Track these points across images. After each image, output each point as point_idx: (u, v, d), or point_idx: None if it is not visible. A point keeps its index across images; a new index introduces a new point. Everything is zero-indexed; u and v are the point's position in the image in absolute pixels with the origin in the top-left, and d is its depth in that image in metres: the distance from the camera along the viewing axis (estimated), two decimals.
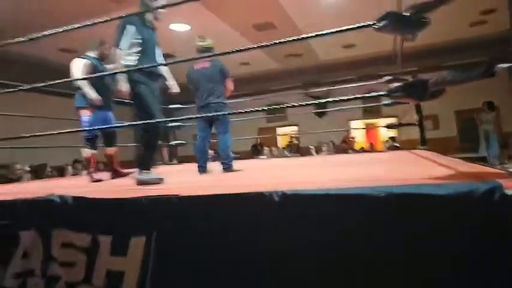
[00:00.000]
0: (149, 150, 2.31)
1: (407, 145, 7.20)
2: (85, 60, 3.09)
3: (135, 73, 2.24)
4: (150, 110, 2.26)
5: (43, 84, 2.19)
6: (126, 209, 1.31)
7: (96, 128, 2.95)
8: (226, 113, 3.02)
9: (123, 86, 2.24)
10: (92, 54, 3.18)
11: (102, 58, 3.24)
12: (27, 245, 1.48)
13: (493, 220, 0.95)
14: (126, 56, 2.24)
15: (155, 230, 1.24)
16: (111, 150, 3.29)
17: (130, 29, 2.25)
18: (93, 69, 3.05)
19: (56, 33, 2.03)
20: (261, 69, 9.63)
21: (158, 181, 2.14)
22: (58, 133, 2.02)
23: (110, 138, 3.26)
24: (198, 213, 1.23)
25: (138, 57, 2.27)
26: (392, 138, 7.87)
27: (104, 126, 2.93)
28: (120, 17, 1.86)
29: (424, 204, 1.01)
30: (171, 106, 4.94)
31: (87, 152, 3.13)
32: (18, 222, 1.51)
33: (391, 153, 4.90)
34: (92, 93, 2.96)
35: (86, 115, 3.12)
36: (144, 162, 2.24)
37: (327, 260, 1.07)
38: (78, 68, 3.06)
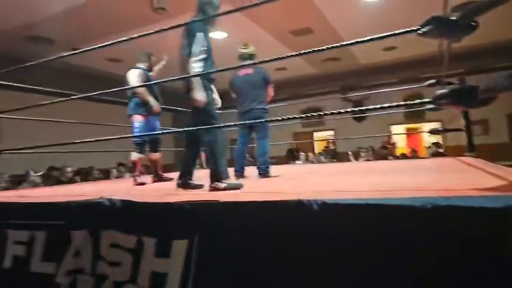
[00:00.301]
0: (221, 158, 2.23)
1: (453, 151, 6.81)
2: (139, 70, 3.34)
3: (205, 80, 2.24)
4: (217, 119, 2.26)
5: (100, 92, 2.33)
6: (170, 213, 1.36)
7: (153, 133, 3.20)
8: (264, 120, 3.05)
9: (200, 95, 2.21)
10: (142, 65, 3.42)
11: (150, 69, 3.49)
12: (79, 244, 1.58)
13: None
14: (196, 63, 2.18)
15: (197, 234, 1.28)
16: (155, 155, 3.45)
17: (200, 36, 2.21)
18: (146, 78, 3.29)
19: (105, 45, 2.16)
20: (297, 74, 9.59)
21: (239, 186, 2.11)
22: (110, 139, 2.15)
23: (155, 144, 3.44)
24: (237, 219, 1.25)
25: (203, 65, 2.21)
26: (436, 144, 7.47)
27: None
28: (166, 29, 1.94)
29: (473, 218, 0.96)
30: None
31: (135, 156, 3.27)
32: (71, 222, 1.62)
33: (435, 160, 4.67)
34: (152, 101, 3.23)
35: (138, 121, 3.27)
36: (219, 171, 2.16)
37: (366, 273, 1.05)
38: (134, 77, 3.28)
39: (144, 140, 3.29)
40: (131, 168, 3.41)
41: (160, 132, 3.17)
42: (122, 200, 1.50)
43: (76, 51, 2.35)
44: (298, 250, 1.15)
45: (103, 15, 5.34)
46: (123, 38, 1.98)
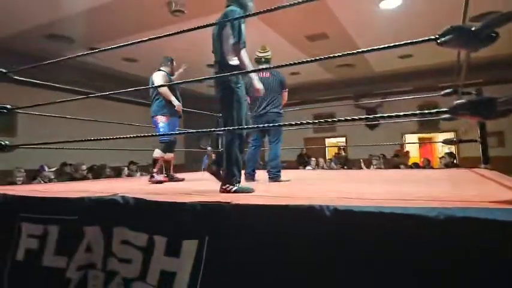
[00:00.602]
0: (237, 160, 2.14)
1: (467, 162, 6.68)
2: (163, 72, 3.53)
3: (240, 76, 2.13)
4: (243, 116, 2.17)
5: (122, 91, 2.38)
6: (182, 212, 1.37)
7: (172, 133, 3.37)
8: (277, 124, 3.07)
9: (259, 84, 2.21)
10: (165, 69, 3.61)
11: (172, 73, 3.68)
12: (91, 239, 1.61)
13: None
14: (245, 53, 2.06)
15: (208, 235, 1.29)
16: (170, 155, 3.54)
17: (243, 28, 2.08)
18: (169, 81, 3.46)
19: (123, 45, 2.20)
20: (311, 79, 9.57)
21: (250, 190, 2.07)
22: (128, 137, 2.19)
23: (173, 144, 3.56)
24: (248, 221, 1.26)
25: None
26: (450, 154, 7.34)
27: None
28: (180, 32, 1.96)
29: (489, 230, 0.94)
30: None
31: (159, 154, 3.38)
32: (84, 218, 1.65)
33: (448, 170, 4.59)
34: (175, 101, 3.39)
35: (162, 122, 3.40)
36: (232, 173, 2.09)
37: (375, 280, 1.04)
38: (160, 78, 3.45)
39: (170, 139, 3.44)
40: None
41: (182, 131, 3.29)
42: (135, 197, 1.53)
43: (94, 51, 2.40)
44: (307, 255, 1.15)
45: (121, 16, 5.44)
46: (144, 38, 2.01)
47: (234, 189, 2.06)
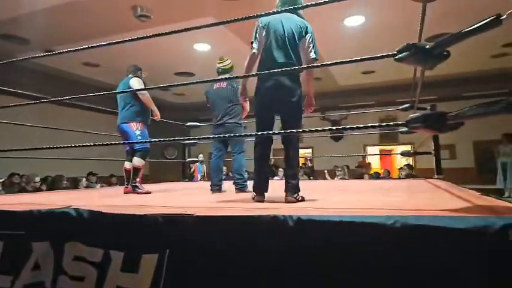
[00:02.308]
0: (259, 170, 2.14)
1: (423, 173, 7.06)
2: (140, 80, 3.42)
3: None
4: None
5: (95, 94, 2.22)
6: (141, 225, 1.31)
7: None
8: (238, 134, 3.04)
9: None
10: (137, 76, 3.49)
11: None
12: (39, 256, 1.49)
13: (506, 257, 0.92)
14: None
15: (168, 248, 1.23)
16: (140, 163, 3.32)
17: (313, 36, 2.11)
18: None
19: (84, 48, 2.11)
20: None
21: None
22: (103, 144, 2.07)
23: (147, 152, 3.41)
24: (211, 233, 1.22)
25: None
26: (409, 166, 7.74)
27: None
28: (146, 37, 1.92)
29: (439, 237, 0.99)
30: (188, 124, 5.02)
31: (140, 162, 3.23)
32: (33, 232, 1.53)
33: (406, 181, 4.81)
34: (157, 110, 3.40)
35: (139, 129, 3.26)
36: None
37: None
38: (140, 84, 3.35)
39: (148, 147, 3.33)
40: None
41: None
42: (90, 210, 1.44)
43: (51, 53, 2.28)
44: (272, 265, 1.13)
45: (83, 19, 5.23)
46: (108, 42, 1.94)
47: (300, 197, 1.97)
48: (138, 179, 3.18)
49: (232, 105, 3.15)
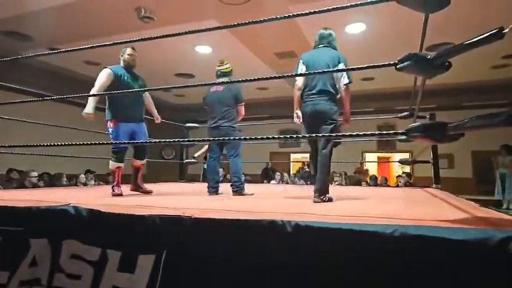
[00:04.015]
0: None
1: (421, 182, 7.07)
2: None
3: None
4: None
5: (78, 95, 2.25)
6: (139, 226, 1.32)
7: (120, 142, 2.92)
8: (236, 138, 3.06)
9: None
10: None
11: None
12: (37, 253, 1.49)
13: (506, 270, 0.93)
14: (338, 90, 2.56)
15: (165, 249, 1.24)
16: (138, 163, 3.25)
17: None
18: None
19: (87, 48, 2.12)
20: (278, 95, 9.74)
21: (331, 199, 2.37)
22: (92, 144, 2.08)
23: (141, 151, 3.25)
24: (209, 235, 1.23)
25: None
26: (408, 174, 7.76)
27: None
28: (147, 39, 1.93)
29: (439, 247, 1.00)
30: (187, 124, 5.02)
31: (113, 165, 3.02)
32: (31, 229, 1.53)
33: (404, 189, 4.82)
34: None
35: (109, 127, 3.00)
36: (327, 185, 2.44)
37: None
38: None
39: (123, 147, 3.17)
40: (113, 178, 3.10)
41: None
42: (88, 208, 1.44)
43: (55, 51, 2.29)
44: (269, 269, 1.14)
45: (87, 18, 5.25)
46: (104, 43, 1.95)
47: (327, 198, 2.35)
48: (115, 182, 2.98)
49: (228, 109, 3.16)
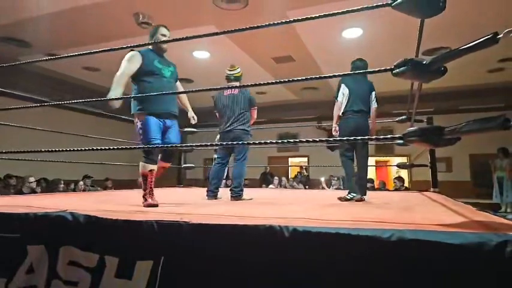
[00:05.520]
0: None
1: (418, 185, 7.07)
2: None
3: None
4: None
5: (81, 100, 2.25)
6: (137, 231, 1.31)
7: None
8: (241, 142, 3.07)
9: None
10: None
11: None
12: (34, 260, 1.48)
13: (503, 274, 0.93)
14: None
15: (163, 255, 1.23)
16: (165, 164, 2.72)
17: None
18: None
19: (84, 54, 2.13)
20: (276, 99, 9.77)
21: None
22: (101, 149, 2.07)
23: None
24: (207, 241, 1.23)
25: None
26: (399, 179, 7.66)
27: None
28: (144, 44, 1.94)
29: (435, 251, 1.00)
30: (185, 129, 5.02)
31: (144, 167, 2.42)
32: (28, 236, 1.52)
33: (402, 193, 4.82)
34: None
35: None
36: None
37: None
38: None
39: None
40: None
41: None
42: (85, 215, 1.44)
43: (55, 57, 2.29)
44: (267, 275, 1.13)
45: (84, 24, 5.27)
46: (104, 49, 1.96)
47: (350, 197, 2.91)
48: (147, 190, 2.39)
49: (243, 112, 3.20)
